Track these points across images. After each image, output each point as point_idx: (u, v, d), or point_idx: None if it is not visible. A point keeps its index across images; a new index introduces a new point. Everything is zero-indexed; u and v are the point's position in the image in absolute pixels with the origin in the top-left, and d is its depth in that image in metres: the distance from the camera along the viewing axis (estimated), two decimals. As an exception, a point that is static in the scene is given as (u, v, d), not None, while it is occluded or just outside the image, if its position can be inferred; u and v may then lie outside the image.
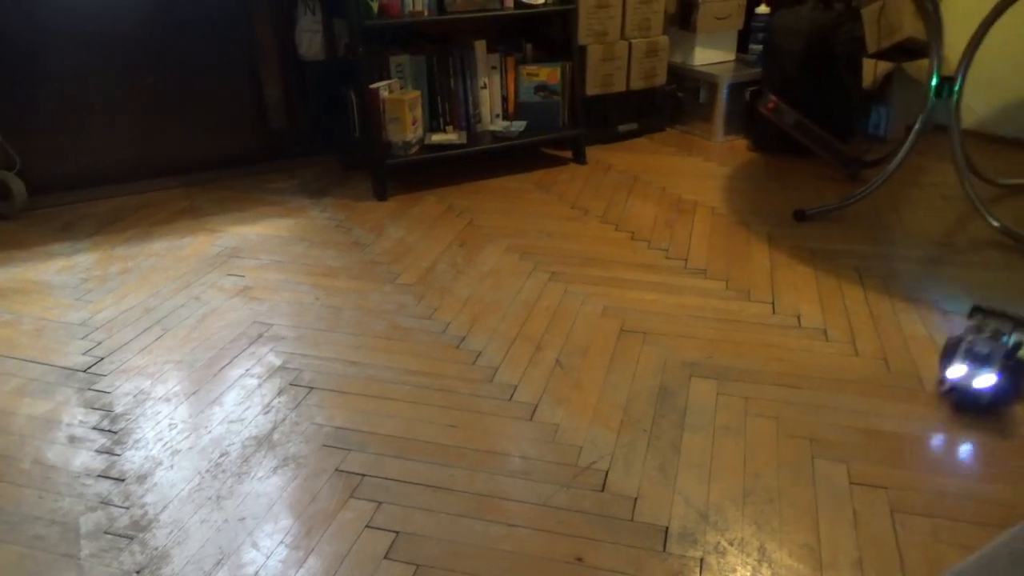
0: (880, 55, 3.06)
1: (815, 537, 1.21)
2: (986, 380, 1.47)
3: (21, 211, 2.56)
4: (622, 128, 3.28)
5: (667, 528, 1.23)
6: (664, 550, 1.19)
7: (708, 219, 2.46)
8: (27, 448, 1.45)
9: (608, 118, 3.23)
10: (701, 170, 2.91)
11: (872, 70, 3.15)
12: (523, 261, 2.19)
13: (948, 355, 1.54)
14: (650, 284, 2.04)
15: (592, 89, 3.09)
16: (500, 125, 2.95)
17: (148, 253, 2.28)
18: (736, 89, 3.21)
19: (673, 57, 3.33)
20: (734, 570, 1.15)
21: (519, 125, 2.93)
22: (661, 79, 3.27)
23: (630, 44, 3.11)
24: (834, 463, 1.37)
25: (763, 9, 3.31)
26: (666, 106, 3.38)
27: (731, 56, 3.42)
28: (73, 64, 2.59)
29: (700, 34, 3.27)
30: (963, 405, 1.51)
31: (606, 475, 1.35)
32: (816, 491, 1.31)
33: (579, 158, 3.03)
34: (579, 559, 1.18)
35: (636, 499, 1.30)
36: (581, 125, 2.99)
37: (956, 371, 1.50)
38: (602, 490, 1.32)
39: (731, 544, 1.20)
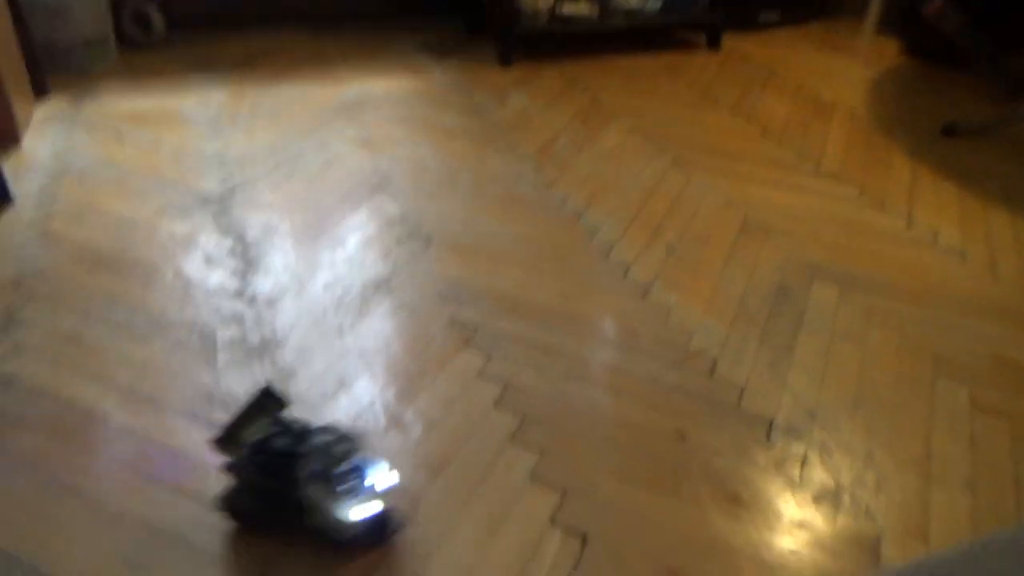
0: (1075, -41, 2.70)
1: (927, 453, 1.19)
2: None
3: (158, 43, 2.64)
4: (763, 17, 3.06)
5: (772, 420, 1.23)
6: (768, 440, 1.20)
7: (847, 123, 2.30)
8: (169, 262, 1.56)
9: (749, 4, 3.01)
10: (844, 70, 2.71)
11: (1060, -23, 2.80)
12: (646, 144, 2.13)
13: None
14: (777, 182, 1.95)
15: (738, -30, 2.87)
16: (635, 2, 2.79)
17: (277, 96, 2.32)
18: (898, -15, 2.93)
19: (832, -58, 3.05)
20: (838, 469, 1.15)
21: (655, 4, 2.77)
22: (815, -34, 3.01)
23: (788, -77, 2.85)
24: (957, 384, 1.32)
25: None
26: (814, -3, 3.13)
27: (898, -53, 3.09)
28: None
29: (868, -82, 2.96)
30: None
31: (715, 362, 1.35)
32: (934, 409, 1.27)
33: (714, 44, 2.86)
34: (682, 436, 1.20)
35: (743, 388, 1.29)
36: (720, 9, 2.80)
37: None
38: (710, 376, 1.32)
39: (837, 445, 1.19)
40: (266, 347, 1.35)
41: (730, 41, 2.92)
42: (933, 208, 1.86)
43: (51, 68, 2.35)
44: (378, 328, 1.41)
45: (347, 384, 1.28)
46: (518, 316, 1.44)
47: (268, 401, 1.02)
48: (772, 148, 2.13)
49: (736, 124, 2.27)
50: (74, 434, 1.16)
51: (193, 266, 1.55)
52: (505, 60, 2.63)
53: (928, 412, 1.26)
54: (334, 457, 0.98)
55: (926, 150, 2.15)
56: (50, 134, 2.03)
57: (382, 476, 1.01)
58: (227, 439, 1.01)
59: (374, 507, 0.99)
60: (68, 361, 1.29)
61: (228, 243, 1.63)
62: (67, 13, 2.32)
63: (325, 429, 1.02)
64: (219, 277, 1.52)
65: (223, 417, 1.19)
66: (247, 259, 1.58)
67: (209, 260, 1.57)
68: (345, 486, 0.97)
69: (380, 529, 1.00)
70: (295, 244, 1.64)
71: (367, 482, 0.99)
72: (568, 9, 2.69)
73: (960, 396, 1.30)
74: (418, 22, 2.96)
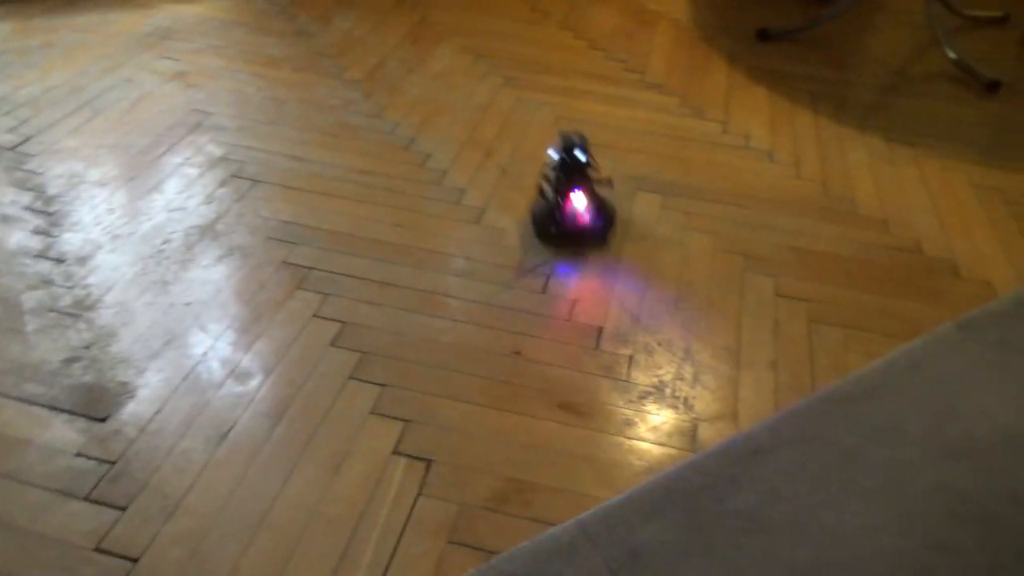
0: None
1: (736, 341, 1.30)
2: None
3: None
4: (590, -75, 3.05)
5: (601, 328, 1.31)
6: (597, 347, 1.27)
7: (670, 32, 2.37)
8: (-42, 225, 1.41)
9: (576, -88, 2.99)
10: (668, -22, 2.77)
11: None
12: (477, 64, 2.11)
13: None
14: (605, 96, 2.00)
15: None
16: (459, -90, 2.70)
17: (72, 27, 2.10)
18: None
19: None
20: (660, 367, 1.25)
21: (480, -88, 2.69)
22: None
23: None
24: (763, 277, 1.44)
25: None
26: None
27: None
28: None
29: None
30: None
31: (548, 279, 1.40)
32: (743, 301, 1.39)
33: (542, -45, 2.83)
34: (517, 353, 1.25)
35: (575, 301, 1.36)
36: (546, -83, 2.76)
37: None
38: (543, 292, 1.37)
39: (659, 344, 1.29)
40: (80, 308, 1.27)
41: (558, -49, 2.89)
42: (746, 112, 1.98)
43: None
44: (205, 277, 1.35)
45: (176, 338, 1.23)
46: (352, 252, 1.43)
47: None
48: (599, 61, 2.17)
49: (565, 38, 2.28)
50: None
51: (-12, 227, 1.42)
52: (327, -22, 2.48)
53: (738, 305, 1.38)
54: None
55: (742, 55, 2.26)
56: None
57: None
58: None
59: None
60: None
61: (26, 199, 1.49)
62: None
63: None
64: (19, 237, 1.40)
65: (36, 389, 1.13)
66: (50, 214, 1.46)
67: (5, 219, 1.44)
68: None
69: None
70: (106, 193, 1.52)
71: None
72: (390, -80, 2.56)
73: (765, 287, 1.42)
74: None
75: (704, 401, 1.19)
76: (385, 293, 1.35)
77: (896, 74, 2.22)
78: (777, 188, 1.69)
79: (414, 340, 1.26)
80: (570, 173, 1.45)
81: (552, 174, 1.47)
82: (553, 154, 1.46)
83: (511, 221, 1.53)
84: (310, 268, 1.39)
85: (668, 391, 1.21)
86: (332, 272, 1.38)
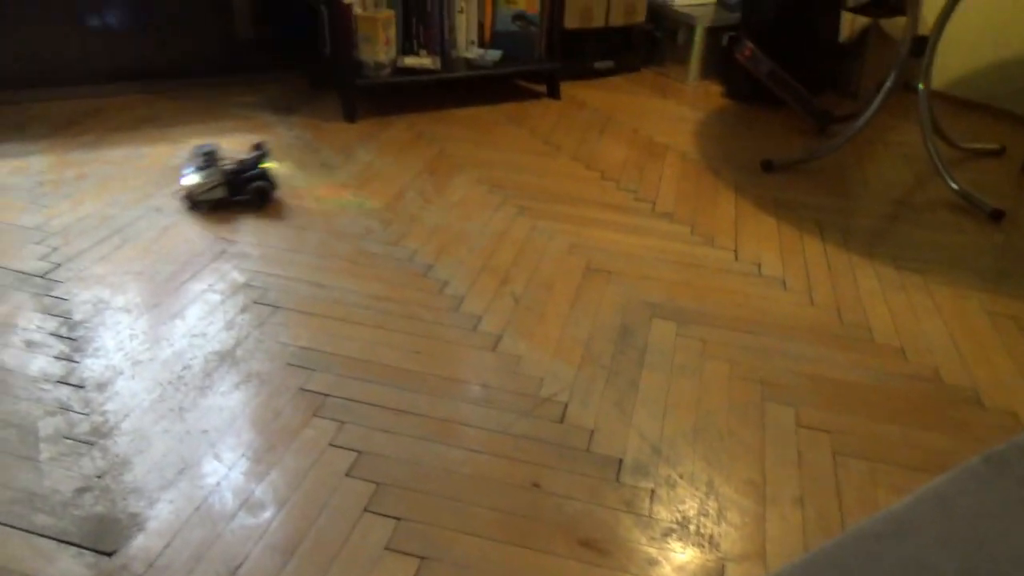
0: (858, 9, 3.06)
1: (760, 474, 1.27)
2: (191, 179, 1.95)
3: (-31, 107, 2.44)
4: (598, 65, 3.25)
5: (621, 460, 1.28)
6: (617, 480, 1.24)
7: (678, 163, 2.47)
8: (-18, 351, 1.43)
9: (584, 54, 3.18)
10: (674, 113, 2.91)
11: (849, 24, 3.15)
12: (492, 194, 2.18)
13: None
14: (617, 224, 2.06)
15: (571, 22, 3.04)
16: (475, 52, 2.89)
17: (105, 160, 2.20)
18: (714, 33, 3.19)
19: (654, -5, 3.28)
20: (683, 501, 1.21)
21: (494, 54, 2.87)
22: (640, 16, 3.23)
23: (612, -22, 3.05)
24: (783, 406, 1.43)
25: (748, -47, 3.26)
26: (643, 46, 3.35)
27: (712, -1, 3.38)
28: (26, -48, 2.44)
29: (683, -27, 3.22)
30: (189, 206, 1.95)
31: (565, 407, 1.39)
32: (764, 432, 1.37)
33: (553, 93, 3.00)
34: (536, 485, 1.22)
35: (593, 431, 1.34)
36: (557, 59, 2.94)
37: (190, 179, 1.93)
38: (561, 421, 1.36)
39: (681, 477, 1.26)
40: (96, 435, 1.26)
41: (569, 89, 3.07)
42: (756, 240, 2.02)
43: None
44: (222, 404, 1.35)
45: (190, 467, 1.22)
46: (369, 379, 1.43)
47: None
48: (611, 191, 2.25)
49: (577, 169, 2.38)
50: None
51: (10, 353, 1.43)
52: (350, 114, 2.63)
53: (759, 435, 1.36)
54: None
55: (748, 186, 2.34)
56: None
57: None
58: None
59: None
60: None
61: (52, 324, 1.52)
62: None
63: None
64: (41, 363, 1.41)
65: (46, 520, 1.10)
66: (74, 340, 1.48)
67: (29, 344, 1.46)
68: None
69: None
70: (129, 319, 1.55)
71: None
72: (410, 61, 2.74)
73: (786, 416, 1.41)
74: (259, 77, 2.91)
75: (730, 539, 1.15)
76: (402, 421, 1.34)
77: (899, 203, 2.28)
78: (791, 315, 1.71)
79: (431, 470, 1.24)
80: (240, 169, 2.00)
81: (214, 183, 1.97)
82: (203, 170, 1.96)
83: (527, 348, 1.54)
84: (327, 395, 1.38)
85: (692, 528, 1.17)
86: (349, 399, 1.38)
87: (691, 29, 3.19)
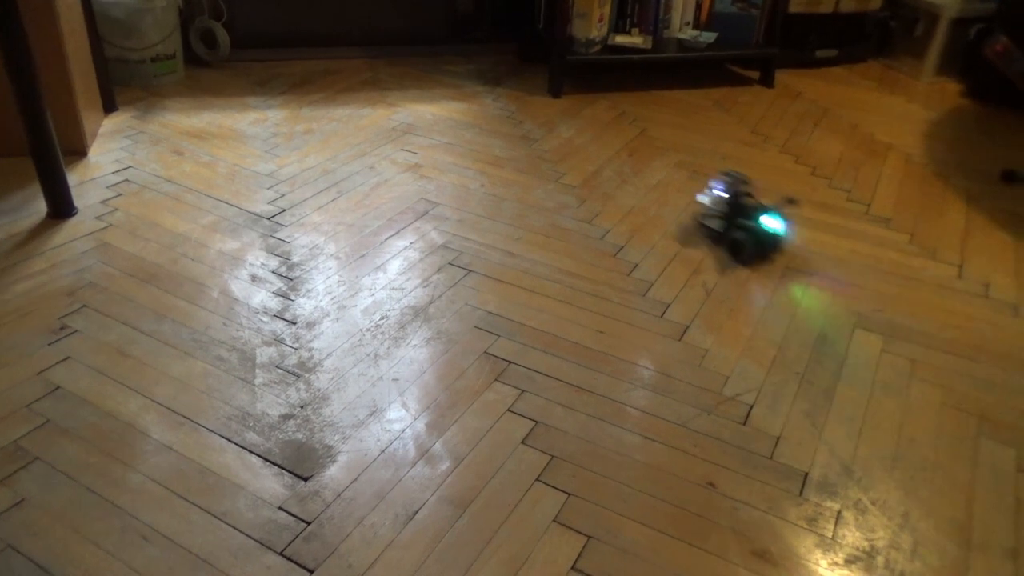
0: None
1: (967, 516, 1.15)
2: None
3: (223, 61, 2.73)
4: (820, 54, 3.03)
5: (807, 474, 1.21)
6: (801, 495, 1.17)
7: (901, 165, 2.26)
8: (216, 279, 1.60)
9: (806, 41, 2.98)
10: (902, 111, 2.66)
11: None
12: (692, 180, 2.12)
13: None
14: (825, 225, 1.92)
15: (796, 6, 2.85)
16: (688, 34, 2.80)
17: (331, 118, 2.38)
18: (960, 25, 2.87)
19: (894, -20, 3.00)
20: (872, 529, 1.12)
21: (709, 36, 2.77)
22: (875, 4, 2.97)
23: (849, -40, 2.82)
24: (1002, 446, 1.28)
25: (1015, -65, 2.88)
26: (874, 35, 3.08)
27: (963, -14, 3.03)
28: (283, -78, 2.66)
29: (932, -43, 2.91)
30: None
31: (750, 409, 1.33)
32: (976, 470, 1.23)
33: (767, 80, 2.84)
34: (711, 484, 1.18)
35: (778, 439, 1.27)
36: (776, 45, 2.78)
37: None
38: (744, 423, 1.30)
39: (873, 504, 1.16)
40: (303, 369, 1.38)
41: (784, 77, 2.89)
42: (987, 258, 1.81)
43: (120, 82, 2.45)
44: (413, 356, 1.42)
45: (379, 411, 1.30)
46: (551, 352, 1.44)
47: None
48: (821, 189, 2.10)
49: (785, 162, 2.24)
50: (114, 447, 1.19)
51: (238, 284, 1.59)
52: (555, 90, 2.65)
53: (971, 473, 1.22)
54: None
55: (983, 197, 2.09)
56: (115, 148, 2.12)
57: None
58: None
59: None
60: (113, 373, 1.34)
61: (274, 263, 1.67)
62: (139, 31, 2.42)
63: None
64: (262, 297, 1.56)
65: (255, 439, 1.22)
66: (291, 279, 1.62)
67: (254, 279, 1.61)
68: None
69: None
70: (338, 266, 1.67)
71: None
72: (621, 39, 2.70)
73: (1006, 458, 1.25)
74: (473, 49, 3.01)
75: (924, 579, 1.05)
76: (580, 398, 1.34)
77: None
78: (1022, 346, 1.51)
79: (605, 452, 1.23)
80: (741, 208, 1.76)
81: (717, 212, 1.79)
82: (716, 194, 1.79)
83: (715, 343, 1.49)
84: (510, 362, 1.42)
85: (880, 560, 1.08)
86: (530, 369, 1.40)
87: (934, 18, 2.88)
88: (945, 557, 1.08)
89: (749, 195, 1.79)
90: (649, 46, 2.68)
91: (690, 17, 2.82)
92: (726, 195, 1.78)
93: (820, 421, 1.31)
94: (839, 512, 1.15)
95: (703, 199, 1.83)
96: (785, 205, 1.81)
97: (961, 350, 1.50)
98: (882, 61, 3.14)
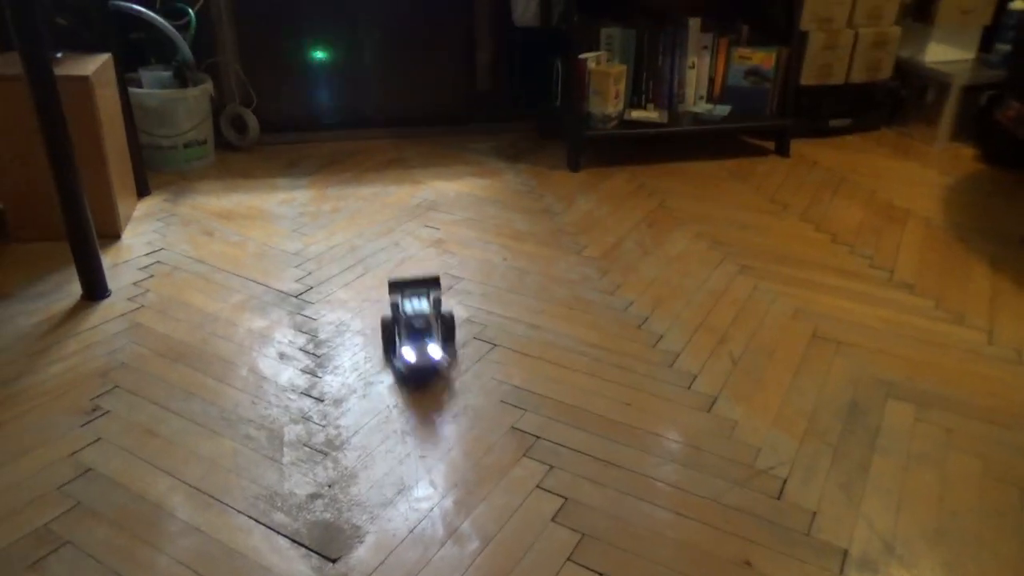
0: None
1: (1017, 594, 1.11)
2: (435, 350, 1.54)
3: (253, 145, 2.83)
4: (833, 123, 3.08)
5: (847, 551, 1.17)
6: (842, 573, 1.13)
7: (921, 230, 2.26)
8: (245, 357, 1.62)
9: (820, 111, 3.04)
10: (918, 177, 2.68)
11: None
12: (713, 250, 2.13)
13: (391, 341, 1.61)
14: (849, 292, 1.92)
15: (808, 79, 2.92)
16: (703, 107, 2.86)
17: (357, 196, 2.44)
18: (970, 92, 2.91)
19: (902, 51, 3.07)
20: (918, 609, 1.08)
21: (723, 109, 2.83)
22: (885, 74, 3.03)
23: (857, 33, 2.89)
24: (1048, 518, 1.24)
25: (1018, 4, 2.96)
26: (886, 104, 3.13)
27: (970, 55, 3.10)
28: (308, 16, 2.80)
29: (938, 28, 2.99)
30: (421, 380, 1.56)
31: (784, 483, 1.30)
32: (1022, 545, 1.19)
33: (783, 150, 2.88)
34: (747, 563, 1.15)
35: (815, 514, 1.24)
36: (790, 115, 2.83)
37: (408, 353, 1.53)
38: (778, 498, 1.27)
39: (917, 581, 1.12)
40: (330, 447, 1.38)
41: (799, 147, 2.94)
42: (1017, 322, 1.79)
43: (153, 168, 2.54)
44: (440, 432, 1.42)
45: (406, 490, 1.29)
46: (579, 425, 1.43)
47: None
48: (843, 256, 2.10)
49: (805, 231, 2.26)
50: (143, 529, 1.19)
51: (267, 362, 1.61)
52: (574, 164, 2.70)
53: (1018, 548, 1.18)
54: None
55: (1006, 260, 2.08)
56: (147, 230, 2.18)
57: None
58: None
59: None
60: (143, 454, 1.34)
61: (301, 340, 1.69)
62: (172, 118, 2.52)
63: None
64: (290, 374, 1.57)
65: (283, 519, 1.21)
66: (318, 356, 1.63)
67: (283, 356, 1.63)
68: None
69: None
70: (364, 343, 1.68)
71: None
72: (637, 114, 2.77)
73: (1053, 533, 1.21)
74: (493, 127, 3.10)
75: (977, 662, 1.01)
76: (609, 473, 1.32)
77: None
78: (1061, 414, 1.48)
79: (636, 529, 1.21)
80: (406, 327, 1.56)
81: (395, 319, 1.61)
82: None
83: (744, 414, 1.47)
84: (537, 436, 1.41)
85: (929, 640, 1.04)
86: (558, 444, 1.39)
87: (944, 87, 2.93)
88: (997, 638, 1.04)
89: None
90: (665, 120, 2.75)
91: (704, 91, 2.89)
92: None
93: (857, 494, 1.28)
94: (882, 590, 1.11)
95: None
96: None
97: (997, 417, 1.47)
98: (895, 129, 3.18)
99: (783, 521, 1.22)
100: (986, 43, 3.10)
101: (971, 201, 2.49)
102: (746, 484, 1.30)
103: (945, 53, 3.06)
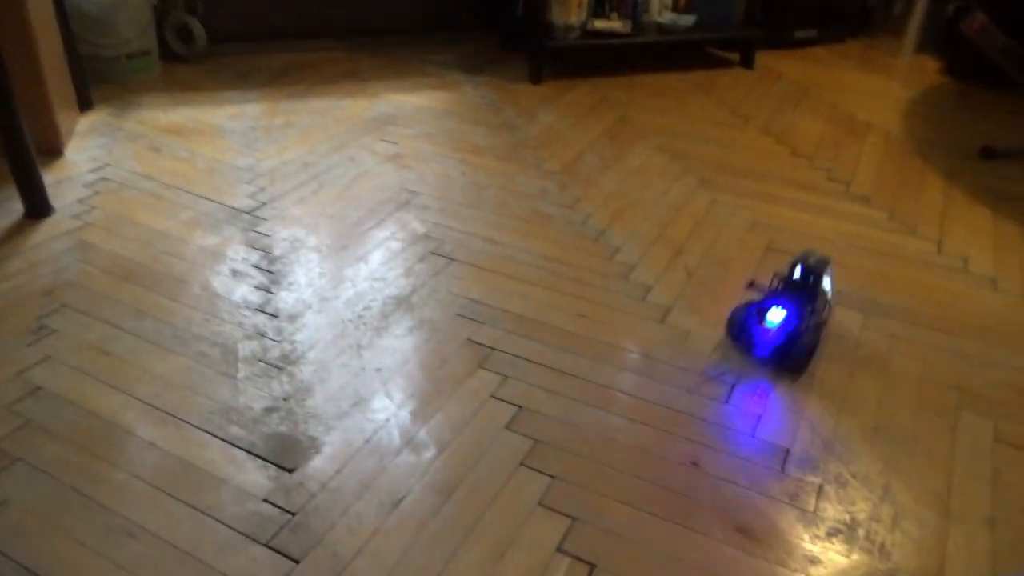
0: (1125, -23, 2.63)
1: (946, 487, 1.16)
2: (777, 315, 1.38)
3: (200, 56, 2.71)
4: (799, 34, 3.03)
5: (788, 450, 1.22)
6: (782, 471, 1.18)
7: (881, 144, 2.27)
8: (197, 275, 1.60)
9: (785, 21, 2.98)
10: (881, 89, 2.67)
11: (1110, -6, 2.72)
12: (673, 163, 2.12)
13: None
14: (806, 204, 1.93)
15: (774, -13, 2.85)
16: (668, 17, 2.79)
17: (310, 110, 2.37)
18: (938, 3, 2.87)
19: (872, -41, 3.00)
20: (853, 503, 1.13)
21: (688, 19, 2.76)
22: (853, -17, 2.97)
23: (826, -61, 2.82)
24: (980, 417, 1.29)
25: (990, -90, 2.89)
26: (853, 14, 3.09)
27: (940, -37, 3.04)
28: (256, -86, 2.64)
29: (909, -66, 2.92)
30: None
31: (732, 388, 1.34)
32: (955, 443, 1.24)
33: (747, 62, 2.84)
34: (695, 463, 1.19)
35: (760, 416, 1.28)
36: (755, 26, 2.78)
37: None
38: (727, 402, 1.31)
39: (854, 477, 1.17)
40: (285, 361, 1.37)
41: (764, 59, 2.89)
42: (965, 233, 1.82)
43: (95, 80, 2.43)
44: (396, 346, 1.42)
45: (363, 402, 1.30)
46: (534, 338, 1.45)
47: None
48: (802, 169, 2.11)
49: (766, 144, 2.25)
50: (97, 445, 1.19)
51: (219, 279, 1.58)
52: (536, 76, 2.64)
53: (949, 445, 1.24)
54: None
55: (962, 173, 2.10)
56: (91, 146, 2.10)
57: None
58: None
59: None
60: (94, 372, 1.33)
61: (255, 257, 1.66)
62: (113, 27, 2.39)
63: None
64: (244, 291, 1.55)
65: (239, 432, 1.22)
66: (272, 273, 1.61)
67: (235, 273, 1.61)
68: None
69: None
70: (319, 259, 1.66)
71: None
72: (600, 24, 2.70)
73: (983, 429, 1.27)
74: (454, 37, 3.00)
75: (904, 551, 1.06)
76: (563, 382, 1.34)
77: None
78: (1001, 319, 1.53)
79: (588, 435, 1.24)
80: (793, 289, 1.38)
81: (776, 283, 1.42)
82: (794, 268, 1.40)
83: (697, 324, 1.49)
84: (492, 348, 1.42)
85: (861, 532, 1.09)
86: (513, 355, 1.40)
87: (911, -4, 2.89)
88: (925, 528, 1.10)
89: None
90: (628, 30, 2.68)
91: (669, 1, 2.82)
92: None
93: (801, 398, 1.32)
94: (820, 486, 1.16)
95: (774, 315, 1.39)
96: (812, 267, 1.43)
97: (941, 325, 1.51)
98: (862, 41, 3.15)
99: (730, 424, 1.26)
100: (955, -49, 3.04)
101: (933, 114, 2.49)
102: (696, 390, 1.33)
103: (913, -39, 3.00)
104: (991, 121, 2.43)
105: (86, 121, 2.24)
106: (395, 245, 1.72)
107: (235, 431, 1.23)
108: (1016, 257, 1.73)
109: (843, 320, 1.52)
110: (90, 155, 2.05)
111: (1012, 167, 2.13)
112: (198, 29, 2.65)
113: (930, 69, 2.88)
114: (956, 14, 2.85)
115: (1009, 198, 1.97)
